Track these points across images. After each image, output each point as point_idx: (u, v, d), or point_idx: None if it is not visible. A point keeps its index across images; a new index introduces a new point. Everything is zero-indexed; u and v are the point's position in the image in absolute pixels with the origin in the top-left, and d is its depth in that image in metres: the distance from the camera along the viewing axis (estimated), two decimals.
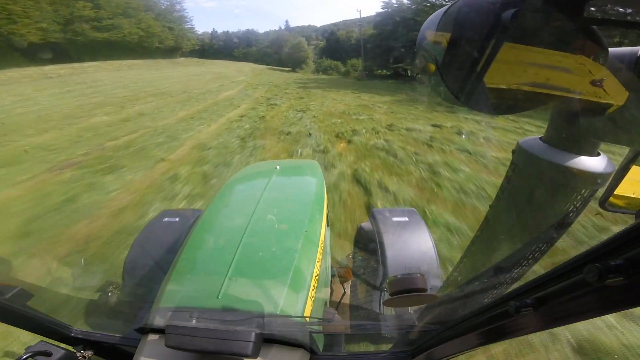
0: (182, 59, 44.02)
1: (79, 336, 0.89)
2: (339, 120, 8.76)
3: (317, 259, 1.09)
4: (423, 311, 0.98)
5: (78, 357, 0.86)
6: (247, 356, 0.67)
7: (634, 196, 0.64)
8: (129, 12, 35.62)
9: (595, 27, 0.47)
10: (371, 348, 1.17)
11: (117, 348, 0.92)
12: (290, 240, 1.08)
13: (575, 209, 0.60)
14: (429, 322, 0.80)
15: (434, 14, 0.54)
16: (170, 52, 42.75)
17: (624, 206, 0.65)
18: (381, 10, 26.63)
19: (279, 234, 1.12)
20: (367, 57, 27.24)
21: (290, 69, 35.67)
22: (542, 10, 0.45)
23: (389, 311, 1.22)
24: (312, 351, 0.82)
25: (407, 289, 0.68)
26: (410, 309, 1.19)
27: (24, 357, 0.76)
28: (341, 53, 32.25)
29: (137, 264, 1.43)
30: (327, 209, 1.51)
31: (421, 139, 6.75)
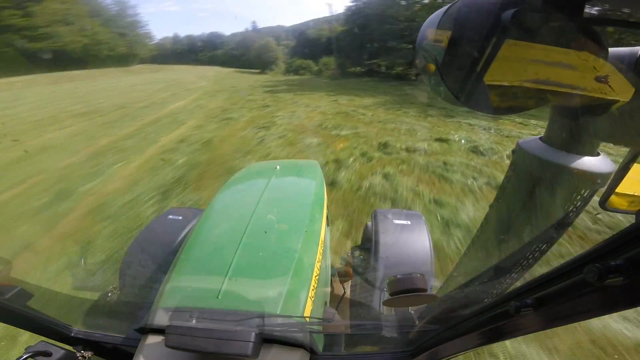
0: (139, 65, 40.59)
1: (79, 336, 0.89)
2: (315, 141, 6.37)
3: (317, 259, 1.09)
4: (423, 311, 0.98)
5: (78, 357, 0.86)
6: (247, 356, 0.67)
7: (634, 196, 0.64)
8: (70, 19, 31.46)
9: (595, 27, 0.47)
10: (371, 348, 1.17)
11: (117, 348, 0.92)
12: (290, 240, 1.08)
13: (575, 209, 0.60)
14: (429, 322, 0.80)
15: (434, 13, 0.54)
16: (124, 59, 39.31)
17: (624, 206, 0.65)
18: (351, 4, 25.55)
19: (279, 234, 1.12)
20: (340, 55, 25.71)
21: (259, 70, 33.28)
22: (542, 11, 0.45)
23: (389, 311, 1.22)
24: (312, 351, 0.82)
25: (406, 289, 0.68)
26: (410, 309, 1.19)
27: (24, 357, 0.76)
28: (313, 52, 30.31)
29: (137, 263, 1.43)
30: (327, 208, 1.51)
31: (432, 168, 4.71)
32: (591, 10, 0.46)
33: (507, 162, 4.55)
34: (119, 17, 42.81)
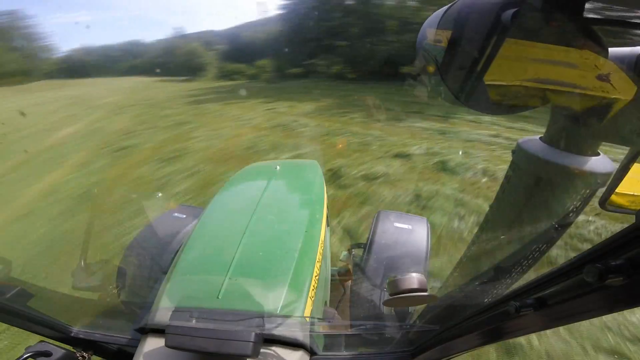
0: (42, 82, 33.19)
1: (79, 336, 0.89)
2: None
3: (317, 259, 1.09)
4: (423, 311, 0.98)
5: (78, 357, 0.86)
6: (247, 356, 0.67)
7: (634, 196, 0.64)
8: None
9: (594, 27, 0.47)
10: (371, 348, 1.17)
11: (117, 348, 0.92)
12: (290, 240, 1.08)
13: (575, 209, 0.60)
14: (429, 322, 0.80)
15: (434, 13, 0.54)
16: (19, 76, 31.55)
17: (624, 206, 0.65)
18: (285, 2, 23.85)
19: (279, 234, 1.12)
20: (277, 57, 23.69)
21: (187, 78, 29.06)
22: (542, 11, 0.45)
23: (389, 311, 1.22)
24: (312, 351, 0.82)
25: (406, 289, 0.68)
26: (410, 309, 1.19)
27: (24, 357, 0.76)
28: (248, 55, 27.50)
29: (137, 263, 1.43)
30: (327, 208, 1.51)
31: (404, 207, 3.62)
32: (591, 10, 0.46)
33: (485, 180, 4.10)
34: (9, 30, 35.17)
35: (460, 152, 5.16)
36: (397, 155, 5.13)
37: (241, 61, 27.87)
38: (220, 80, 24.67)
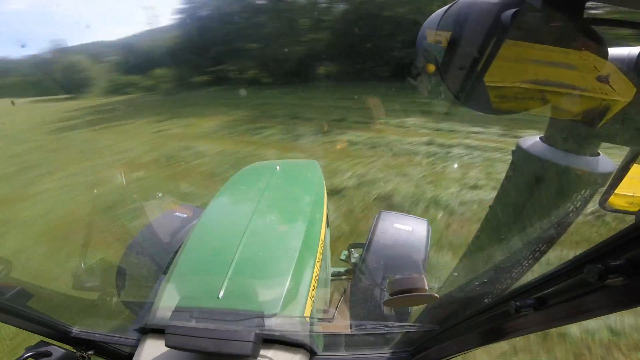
0: None
1: (79, 336, 0.90)
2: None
3: (317, 259, 1.09)
4: (423, 311, 0.98)
5: (78, 357, 0.87)
6: (247, 356, 0.67)
7: (633, 197, 0.64)
8: None
9: (595, 27, 0.47)
10: (371, 348, 1.17)
11: (117, 348, 0.92)
12: (290, 240, 1.08)
13: (575, 209, 0.60)
14: (429, 322, 0.80)
15: (434, 13, 0.54)
16: None
17: (624, 206, 0.65)
18: (183, 6, 21.11)
19: (279, 234, 1.12)
20: (178, 65, 20.95)
21: (68, 96, 23.59)
22: (542, 11, 0.45)
23: (389, 311, 1.22)
24: (312, 351, 0.82)
25: (407, 289, 0.68)
26: (410, 309, 1.19)
27: (24, 356, 0.76)
28: (145, 66, 23.30)
29: (137, 263, 1.43)
30: (327, 208, 1.51)
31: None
32: (591, 10, 0.46)
33: (441, 215, 3.28)
34: None
35: (455, 166, 4.38)
36: (328, 193, 3.80)
37: (136, 72, 23.29)
38: (109, 96, 20.28)
